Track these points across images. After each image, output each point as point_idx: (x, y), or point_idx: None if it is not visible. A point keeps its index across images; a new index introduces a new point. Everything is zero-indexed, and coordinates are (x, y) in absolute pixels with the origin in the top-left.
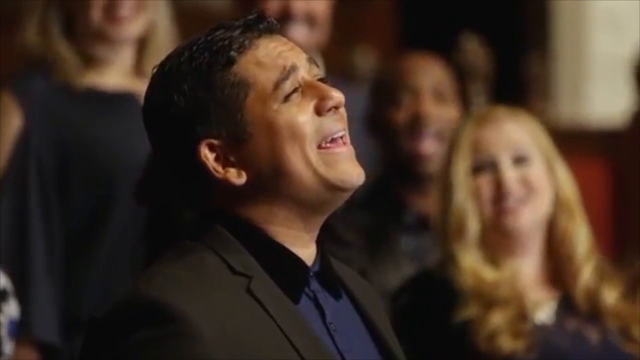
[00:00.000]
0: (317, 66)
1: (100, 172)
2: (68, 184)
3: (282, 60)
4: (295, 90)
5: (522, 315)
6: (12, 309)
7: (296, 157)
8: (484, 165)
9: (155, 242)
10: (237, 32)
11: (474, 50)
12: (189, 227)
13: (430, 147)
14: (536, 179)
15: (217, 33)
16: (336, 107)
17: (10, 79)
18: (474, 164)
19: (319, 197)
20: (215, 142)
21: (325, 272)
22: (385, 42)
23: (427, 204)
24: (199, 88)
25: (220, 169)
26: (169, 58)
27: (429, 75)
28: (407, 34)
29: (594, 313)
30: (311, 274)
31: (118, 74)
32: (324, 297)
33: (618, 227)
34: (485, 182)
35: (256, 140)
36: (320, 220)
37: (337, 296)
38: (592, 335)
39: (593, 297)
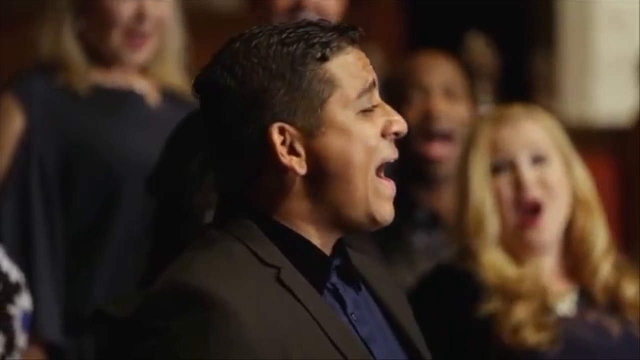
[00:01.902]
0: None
1: (105, 172)
2: (72, 184)
3: (366, 73)
4: (373, 106)
5: (545, 308)
6: (25, 302)
7: (361, 171)
8: (503, 166)
9: (162, 236)
10: (332, 34)
11: (480, 50)
12: (200, 220)
13: (441, 149)
14: (555, 179)
15: (311, 29)
16: (398, 134)
17: (12, 80)
18: (493, 164)
19: (357, 215)
20: (287, 127)
21: (345, 266)
22: (391, 41)
23: (439, 201)
24: (287, 72)
25: (286, 154)
26: (252, 35)
27: (440, 73)
28: (413, 33)
29: (613, 306)
30: (333, 267)
31: (125, 73)
32: (345, 290)
33: (625, 225)
34: (504, 183)
35: (328, 140)
36: (343, 234)
37: (357, 289)
38: (613, 327)
39: (612, 292)
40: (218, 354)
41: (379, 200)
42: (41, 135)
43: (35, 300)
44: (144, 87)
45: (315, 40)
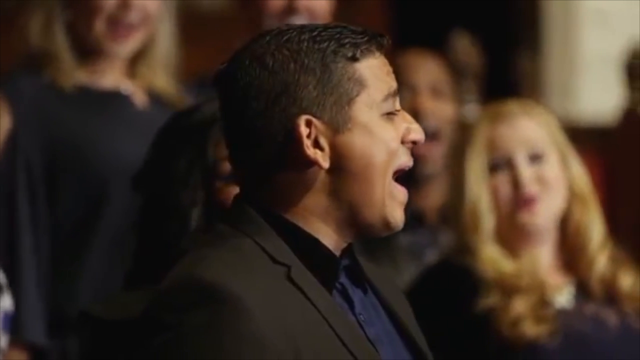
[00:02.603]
0: None
1: (90, 172)
2: (58, 184)
3: (389, 79)
4: (397, 111)
5: (543, 301)
6: (6, 302)
7: (381, 172)
8: (501, 164)
9: (148, 234)
10: (362, 37)
11: (465, 48)
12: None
13: (427, 147)
14: (552, 176)
15: (341, 30)
16: (415, 142)
17: (0, 78)
18: (490, 162)
19: (371, 217)
20: (314, 120)
21: (353, 267)
22: None
23: (424, 200)
24: (317, 67)
25: (311, 147)
26: (282, 31)
27: (426, 72)
28: (398, 31)
29: (610, 298)
30: (341, 267)
31: (111, 74)
32: (352, 290)
33: (609, 223)
34: (502, 181)
35: (353, 138)
36: (353, 238)
37: (364, 290)
38: (611, 318)
39: (609, 284)
40: (231, 349)
41: (394, 203)
42: (27, 135)
43: (19, 301)
44: (130, 87)
45: (347, 40)
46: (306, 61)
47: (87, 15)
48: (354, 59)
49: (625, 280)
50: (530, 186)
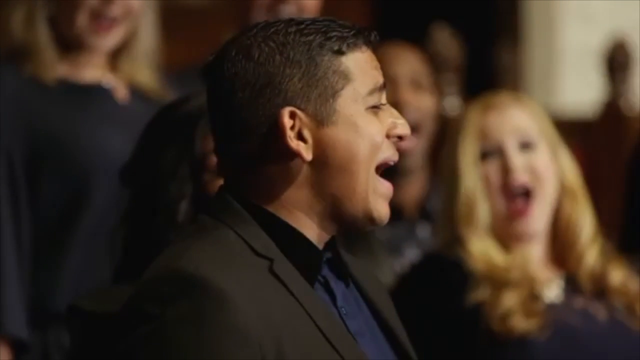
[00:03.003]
0: None
1: (72, 165)
2: (39, 176)
3: (376, 73)
4: (382, 104)
5: (533, 295)
6: None
7: (364, 166)
8: (491, 152)
9: (136, 227)
10: (350, 31)
11: (446, 41)
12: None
13: (408, 141)
14: (542, 165)
15: (331, 23)
16: (401, 137)
17: None
18: (482, 150)
19: (354, 210)
20: (298, 112)
21: (335, 260)
22: None
23: (402, 194)
24: (303, 60)
25: (294, 139)
26: (269, 24)
27: (407, 65)
28: (379, 24)
29: (599, 292)
30: (324, 260)
31: (93, 68)
32: (335, 283)
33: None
34: (492, 169)
35: (337, 131)
36: (337, 231)
37: (346, 283)
38: (600, 312)
39: (598, 278)
40: (213, 341)
41: (378, 197)
42: (8, 129)
43: (0, 295)
44: (111, 81)
45: (333, 34)
46: (292, 53)
47: (69, 8)
48: (340, 52)
49: (615, 275)
50: (521, 174)
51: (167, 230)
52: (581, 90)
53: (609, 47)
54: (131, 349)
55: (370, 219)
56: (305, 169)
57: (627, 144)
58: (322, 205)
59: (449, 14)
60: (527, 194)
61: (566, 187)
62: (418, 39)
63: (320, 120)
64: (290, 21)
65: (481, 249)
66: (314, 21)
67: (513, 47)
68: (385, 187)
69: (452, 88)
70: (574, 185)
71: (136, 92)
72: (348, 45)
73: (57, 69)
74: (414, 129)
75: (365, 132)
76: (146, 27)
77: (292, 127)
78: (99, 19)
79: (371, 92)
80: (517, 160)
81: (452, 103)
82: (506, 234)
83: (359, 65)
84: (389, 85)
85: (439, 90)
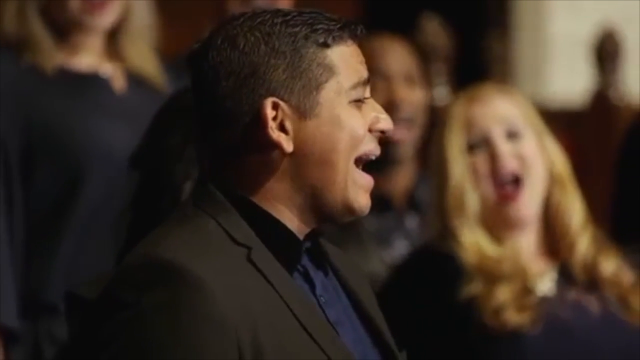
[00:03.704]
0: None
1: (67, 155)
2: (34, 166)
3: (361, 67)
4: (365, 99)
5: (526, 289)
6: None
7: (344, 158)
8: (478, 142)
9: (142, 209)
10: (336, 25)
11: (435, 31)
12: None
13: (402, 133)
14: (530, 152)
15: (317, 16)
16: (383, 132)
17: None
18: (468, 141)
19: (334, 201)
20: (281, 103)
21: (315, 249)
22: None
23: (391, 185)
24: (288, 51)
25: (275, 129)
26: (256, 14)
27: (400, 60)
28: (367, 14)
29: (592, 283)
30: (303, 249)
31: (90, 57)
32: (314, 272)
33: None
34: (480, 159)
35: (318, 124)
36: (317, 223)
37: (325, 272)
38: (592, 304)
39: (590, 268)
40: (189, 329)
41: (357, 189)
42: (3, 118)
43: None
44: (109, 70)
45: (319, 26)
46: (277, 44)
47: None
48: (325, 45)
49: (607, 266)
50: (509, 161)
51: (172, 212)
52: (570, 80)
53: (598, 36)
54: (108, 336)
55: (350, 210)
56: (285, 160)
57: (616, 133)
58: (302, 197)
59: (438, 3)
60: (516, 181)
61: (554, 175)
62: (407, 29)
63: (302, 112)
64: (278, 12)
65: (472, 240)
66: (301, 13)
67: (502, 37)
68: (365, 179)
69: (441, 78)
70: (562, 173)
71: (134, 81)
72: (334, 38)
73: (55, 57)
74: (409, 123)
75: (346, 125)
76: (140, 3)
77: (275, 118)
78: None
79: (355, 86)
80: (505, 148)
81: (442, 93)
82: (497, 223)
83: (344, 59)
84: (383, 81)
85: (428, 81)
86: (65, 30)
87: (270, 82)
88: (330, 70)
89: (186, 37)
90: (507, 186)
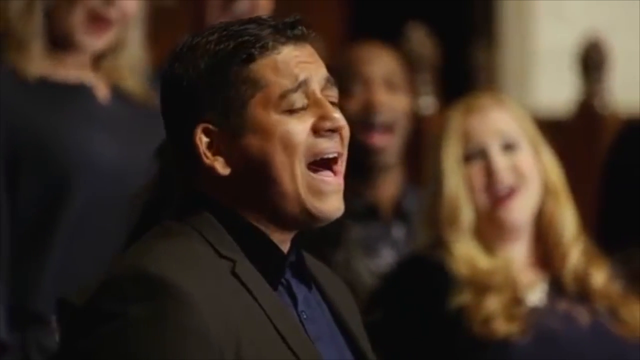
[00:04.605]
0: (336, 89)
1: (53, 163)
2: (19, 174)
3: (298, 70)
4: (302, 107)
5: (516, 299)
6: None
7: (284, 169)
8: (474, 154)
9: (159, 192)
10: (267, 31)
11: (421, 40)
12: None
13: (381, 139)
14: (525, 165)
15: (249, 26)
16: (334, 130)
17: None
18: (465, 152)
19: (293, 214)
20: (212, 128)
21: (298, 263)
22: (332, 31)
23: (377, 193)
24: (213, 72)
25: (210, 155)
26: (201, 32)
27: (380, 64)
28: (353, 23)
29: (583, 294)
30: (287, 263)
31: (75, 66)
32: (297, 287)
33: None
34: (476, 171)
35: (249, 140)
36: (290, 233)
37: (308, 287)
38: (582, 316)
39: (581, 279)
40: (173, 343)
41: (314, 195)
42: None
43: None
44: (92, 80)
45: (245, 39)
46: (203, 66)
47: (68, 4)
48: (250, 59)
49: (598, 277)
50: (505, 175)
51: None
52: (556, 89)
53: (583, 46)
54: (91, 347)
55: (311, 217)
56: (227, 182)
57: (602, 143)
58: (261, 212)
59: (424, 13)
60: (512, 193)
61: (549, 186)
62: (393, 38)
63: (233, 132)
64: (218, 28)
65: (465, 252)
66: (238, 25)
67: (488, 46)
68: (321, 182)
69: (427, 87)
70: (556, 184)
71: (118, 94)
72: (258, 49)
73: (40, 65)
74: (389, 128)
75: (278, 136)
76: (134, 36)
77: (210, 143)
78: (96, 19)
79: (284, 95)
80: (501, 161)
81: (427, 102)
82: (490, 233)
83: (273, 68)
84: (363, 85)
85: (413, 90)
86: (57, 42)
87: (200, 106)
88: (255, 85)
89: (168, 50)
90: (501, 197)
